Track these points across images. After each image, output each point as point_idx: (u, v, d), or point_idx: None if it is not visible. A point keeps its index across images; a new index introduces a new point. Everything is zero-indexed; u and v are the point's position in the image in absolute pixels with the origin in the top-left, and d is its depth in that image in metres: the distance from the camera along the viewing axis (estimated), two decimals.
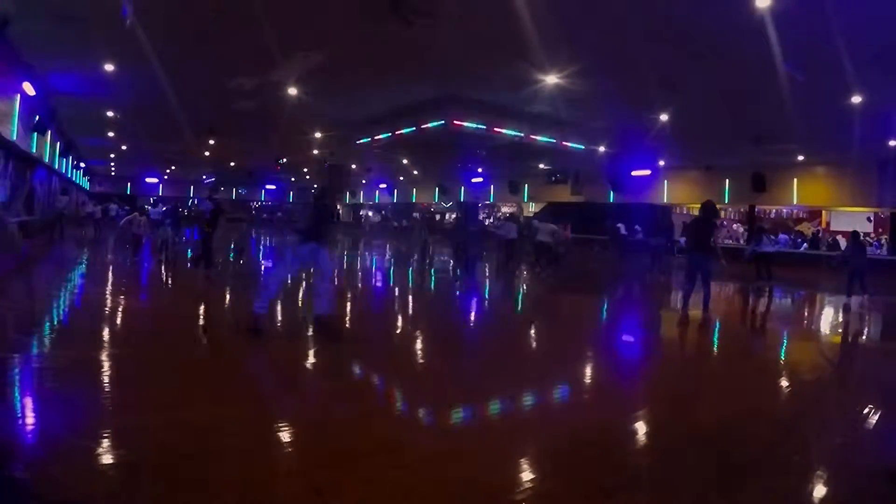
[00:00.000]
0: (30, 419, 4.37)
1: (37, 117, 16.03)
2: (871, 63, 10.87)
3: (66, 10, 10.30)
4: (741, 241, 26.57)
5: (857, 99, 13.27)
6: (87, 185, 43.55)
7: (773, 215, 29.96)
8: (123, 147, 30.73)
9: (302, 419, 4.61)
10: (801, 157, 22.76)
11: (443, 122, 17.23)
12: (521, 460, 4.07)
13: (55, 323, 7.92)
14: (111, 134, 25.68)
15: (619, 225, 23.48)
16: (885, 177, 21.80)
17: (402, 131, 19.26)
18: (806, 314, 13.65)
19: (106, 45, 12.19)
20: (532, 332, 9.46)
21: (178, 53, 12.68)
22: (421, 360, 7.13)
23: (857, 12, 8.97)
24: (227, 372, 5.87)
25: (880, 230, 24.46)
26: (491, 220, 24.71)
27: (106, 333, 7.31)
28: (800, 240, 25.95)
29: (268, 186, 54.40)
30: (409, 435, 4.41)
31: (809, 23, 9.34)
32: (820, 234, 26.47)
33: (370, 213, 54.96)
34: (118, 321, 8.28)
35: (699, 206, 10.36)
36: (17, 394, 4.89)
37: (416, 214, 46.45)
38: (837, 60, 10.56)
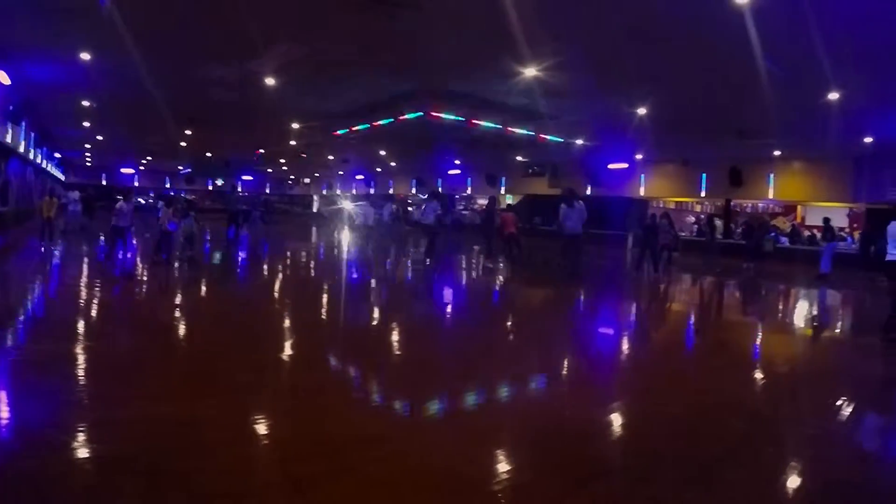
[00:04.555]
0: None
1: (11, 107, 15.55)
2: (849, 60, 10.77)
3: None
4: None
5: (834, 96, 13.19)
6: (62, 176, 42.67)
7: (749, 209, 30.13)
8: (99, 137, 30.14)
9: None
10: (777, 153, 22.82)
11: (421, 113, 16.94)
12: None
13: None
14: (87, 124, 25.02)
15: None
16: (860, 173, 21.93)
17: (380, 122, 18.96)
18: None
19: (83, 33, 11.79)
20: None
21: (155, 42, 12.27)
22: None
23: (835, 9, 8.81)
24: None
25: (854, 225, 24.63)
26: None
27: None
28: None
29: (245, 177, 53.73)
30: None
31: (788, 19, 9.17)
32: (795, 227, 26.65)
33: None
34: None
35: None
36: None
37: (393, 206, 46.23)
38: (815, 57, 10.41)
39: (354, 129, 20.58)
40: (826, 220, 19.00)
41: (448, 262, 17.75)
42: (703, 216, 29.38)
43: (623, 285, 15.65)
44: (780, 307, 14.03)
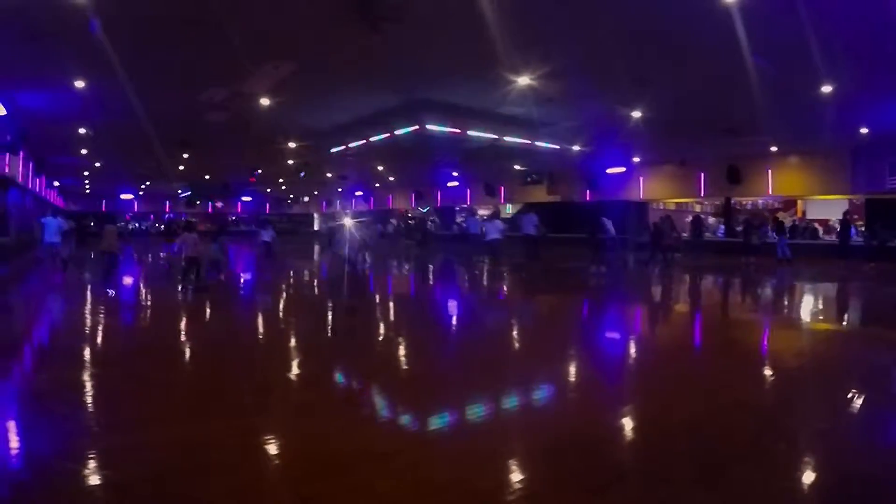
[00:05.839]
0: None
1: (8, 137, 15.64)
2: (841, 51, 10.76)
3: (33, 27, 9.90)
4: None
5: (827, 88, 13.21)
6: (62, 205, 42.69)
7: (749, 206, 30.09)
8: (97, 164, 30.25)
9: None
10: (774, 148, 22.79)
11: (415, 127, 16.97)
12: None
13: None
14: (84, 151, 25.11)
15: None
16: (857, 164, 21.92)
17: (374, 138, 18.99)
18: None
19: (75, 61, 11.89)
20: None
21: (147, 67, 12.39)
22: None
23: (824, 1, 8.85)
24: None
25: (855, 216, 24.55)
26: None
27: None
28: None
29: (244, 198, 53.76)
30: None
31: (779, 13, 9.19)
32: (796, 223, 26.61)
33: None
34: None
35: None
36: None
37: (393, 220, 46.16)
38: (807, 50, 10.46)
39: (350, 145, 20.60)
40: (775, 219, 23.49)
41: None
42: (701, 215, 29.59)
43: (643, 279, 16.97)
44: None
